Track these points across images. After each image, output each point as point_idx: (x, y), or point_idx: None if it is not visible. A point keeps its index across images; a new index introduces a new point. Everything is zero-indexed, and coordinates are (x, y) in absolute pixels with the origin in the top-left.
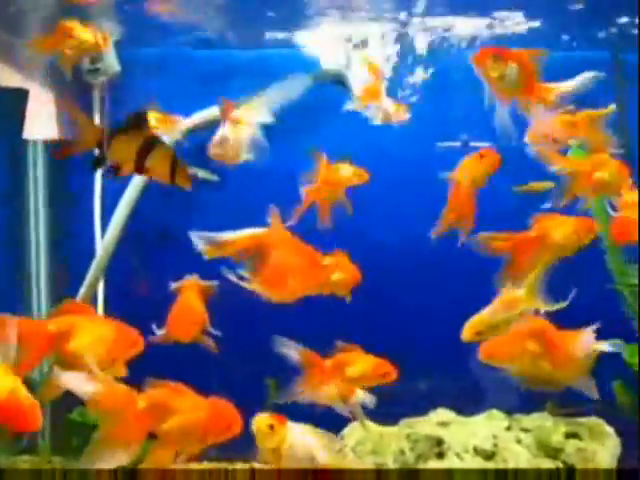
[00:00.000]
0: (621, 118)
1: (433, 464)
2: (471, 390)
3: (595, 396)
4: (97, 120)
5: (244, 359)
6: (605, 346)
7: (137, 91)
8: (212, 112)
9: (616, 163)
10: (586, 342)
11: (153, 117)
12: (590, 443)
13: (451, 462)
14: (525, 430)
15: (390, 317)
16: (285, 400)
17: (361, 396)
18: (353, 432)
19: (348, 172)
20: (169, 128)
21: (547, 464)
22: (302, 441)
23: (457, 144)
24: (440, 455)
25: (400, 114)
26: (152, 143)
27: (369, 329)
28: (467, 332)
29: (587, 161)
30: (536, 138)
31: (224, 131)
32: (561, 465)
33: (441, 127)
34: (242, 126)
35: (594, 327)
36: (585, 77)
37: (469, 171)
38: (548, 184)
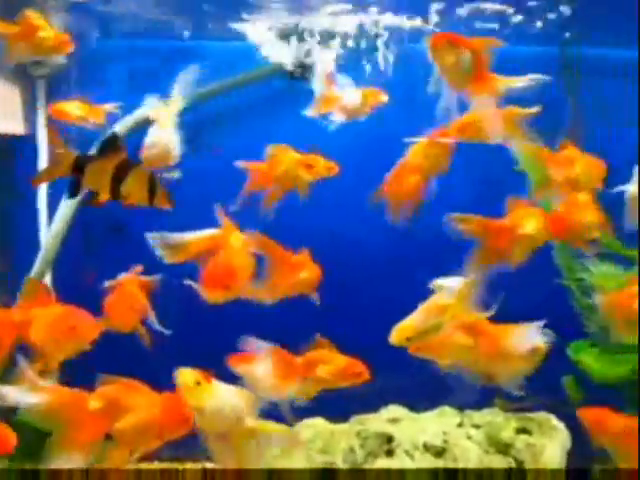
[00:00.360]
0: (575, 113)
1: (382, 462)
2: (424, 386)
3: (520, 392)
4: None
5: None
6: (542, 341)
7: (78, 83)
8: (145, 112)
9: (589, 160)
10: (525, 337)
11: (77, 107)
12: (540, 438)
13: (400, 459)
14: (476, 426)
15: (351, 312)
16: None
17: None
18: (303, 430)
19: (312, 162)
20: (95, 118)
21: (497, 460)
22: (228, 401)
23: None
24: (389, 452)
25: (375, 100)
26: (127, 168)
27: (333, 325)
28: (396, 337)
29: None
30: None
31: (154, 133)
32: (511, 460)
33: (407, 122)
34: (168, 127)
35: (536, 322)
36: (536, 76)
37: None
38: None
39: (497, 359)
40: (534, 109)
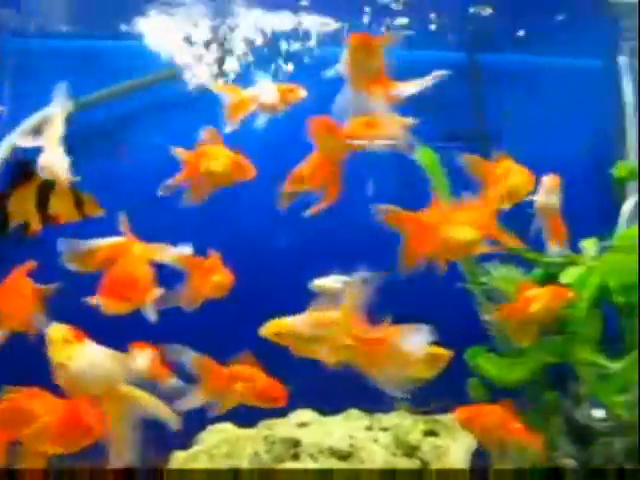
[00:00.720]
0: (478, 118)
1: (287, 466)
2: (333, 390)
3: (399, 395)
4: None
5: None
6: (427, 343)
7: None
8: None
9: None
10: (409, 338)
11: None
12: (446, 440)
13: (304, 464)
14: (384, 429)
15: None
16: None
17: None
18: (210, 435)
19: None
20: None
21: (403, 462)
22: (99, 363)
23: None
24: (295, 456)
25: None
26: (47, 190)
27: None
28: (267, 329)
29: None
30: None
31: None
32: (417, 462)
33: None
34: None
35: (423, 324)
36: (431, 78)
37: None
38: None
39: (379, 360)
40: (411, 119)
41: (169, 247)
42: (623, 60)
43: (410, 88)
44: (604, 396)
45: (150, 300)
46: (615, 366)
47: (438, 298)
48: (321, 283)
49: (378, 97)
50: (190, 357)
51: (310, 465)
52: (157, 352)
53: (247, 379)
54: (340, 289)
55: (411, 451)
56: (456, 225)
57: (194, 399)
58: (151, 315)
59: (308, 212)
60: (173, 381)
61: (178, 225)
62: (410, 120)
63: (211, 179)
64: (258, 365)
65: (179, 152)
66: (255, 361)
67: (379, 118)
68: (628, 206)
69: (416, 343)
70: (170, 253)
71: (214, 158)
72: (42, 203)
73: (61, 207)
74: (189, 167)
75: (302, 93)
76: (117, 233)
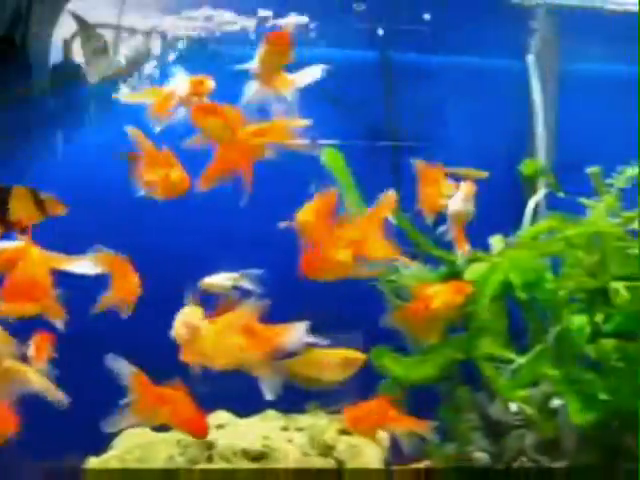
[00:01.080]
0: (387, 117)
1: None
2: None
3: (271, 395)
4: None
5: None
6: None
7: None
8: None
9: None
10: (293, 336)
11: None
12: (361, 439)
13: (218, 466)
14: (300, 429)
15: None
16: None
17: None
18: (123, 440)
19: None
20: None
21: (318, 462)
22: None
23: None
24: (210, 458)
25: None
26: (2, 195)
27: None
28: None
29: None
30: None
31: None
32: (332, 461)
33: None
34: None
35: (304, 322)
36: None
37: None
38: (482, 173)
39: (266, 360)
40: (303, 121)
41: (68, 257)
42: (530, 59)
43: (302, 79)
44: (506, 391)
45: (49, 304)
46: (520, 360)
47: (351, 299)
48: (210, 281)
49: (282, 92)
50: (127, 371)
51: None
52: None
53: (175, 405)
54: (229, 287)
55: (327, 451)
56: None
57: (126, 418)
58: (56, 320)
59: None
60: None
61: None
62: (305, 121)
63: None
64: (187, 394)
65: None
66: (186, 389)
67: (275, 121)
68: (532, 203)
69: (294, 340)
70: (69, 262)
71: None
72: (1, 211)
73: (21, 211)
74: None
75: (211, 84)
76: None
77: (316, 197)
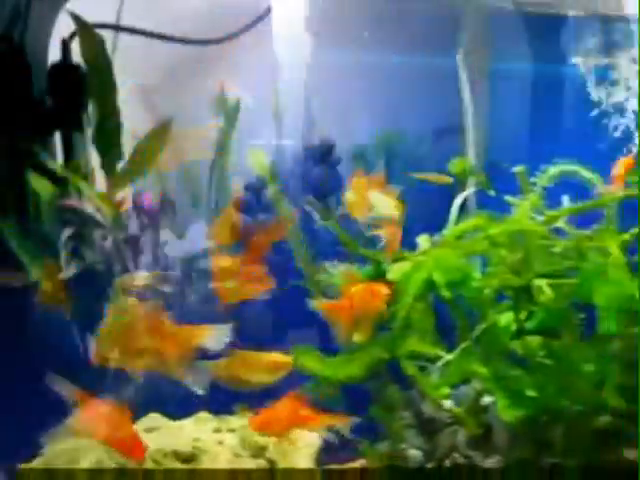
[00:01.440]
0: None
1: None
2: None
3: (200, 392)
4: None
5: None
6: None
7: None
8: None
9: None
10: (213, 337)
11: None
12: (293, 439)
13: None
14: (232, 430)
15: None
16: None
17: None
18: (50, 445)
19: None
20: None
21: (249, 463)
22: None
23: None
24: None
25: None
26: None
27: None
28: None
29: None
30: None
31: None
32: (264, 462)
33: None
34: None
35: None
36: None
37: None
38: (447, 178)
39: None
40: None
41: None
42: (459, 58)
43: None
44: (430, 389)
45: None
46: (448, 357)
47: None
48: (126, 280)
49: None
50: (70, 390)
51: None
52: None
53: (114, 426)
54: (145, 285)
55: (259, 451)
56: None
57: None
58: None
59: None
60: None
61: None
62: (210, 126)
63: None
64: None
65: None
66: (130, 411)
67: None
68: (458, 202)
69: (214, 342)
70: None
71: None
72: None
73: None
74: None
75: None
76: None
77: None
